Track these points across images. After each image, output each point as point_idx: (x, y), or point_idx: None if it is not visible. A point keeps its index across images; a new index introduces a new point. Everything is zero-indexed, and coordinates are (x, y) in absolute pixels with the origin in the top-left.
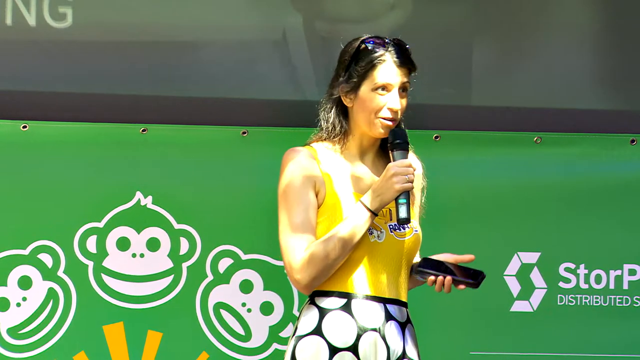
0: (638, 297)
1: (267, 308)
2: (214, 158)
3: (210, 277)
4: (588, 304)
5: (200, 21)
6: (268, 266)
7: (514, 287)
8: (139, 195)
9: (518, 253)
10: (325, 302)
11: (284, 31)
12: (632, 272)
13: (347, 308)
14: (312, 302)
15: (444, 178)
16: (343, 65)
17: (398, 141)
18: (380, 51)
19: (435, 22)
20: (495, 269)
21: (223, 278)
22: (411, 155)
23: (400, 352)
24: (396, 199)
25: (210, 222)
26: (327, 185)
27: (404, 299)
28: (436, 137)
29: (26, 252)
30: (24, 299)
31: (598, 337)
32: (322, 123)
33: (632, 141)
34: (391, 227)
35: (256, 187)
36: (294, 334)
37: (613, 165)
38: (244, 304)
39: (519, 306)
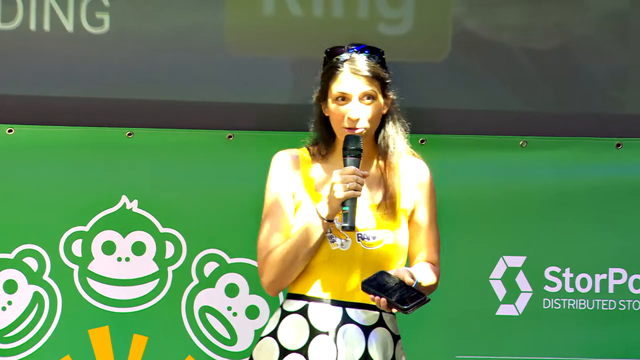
0: (623, 301)
1: (252, 312)
2: (199, 162)
3: (195, 281)
4: (573, 307)
5: (188, 26)
6: (254, 270)
7: (500, 290)
8: (124, 199)
9: (503, 257)
10: (288, 305)
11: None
12: (617, 276)
13: (304, 311)
14: (281, 305)
15: None
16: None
17: (350, 147)
18: (337, 61)
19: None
20: (480, 272)
21: (209, 282)
22: (417, 161)
23: (359, 355)
24: (342, 206)
25: (196, 226)
26: (307, 190)
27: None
28: (422, 141)
29: (11, 256)
30: (9, 302)
31: (584, 341)
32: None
33: (618, 145)
34: (359, 235)
35: (242, 191)
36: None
37: (599, 169)
38: (229, 308)
39: (505, 310)
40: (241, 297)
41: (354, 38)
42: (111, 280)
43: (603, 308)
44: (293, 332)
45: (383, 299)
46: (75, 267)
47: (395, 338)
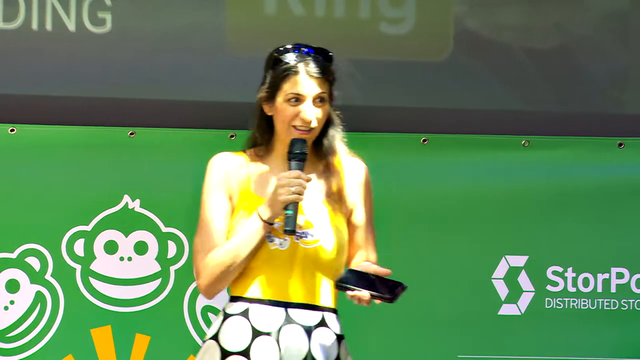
0: (626, 301)
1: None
2: (202, 161)
3: None
4: (576, 307)
5: (189, 26)
6: None
7: (502, 290)
8: (126, 198)
9: (506, 256)
10: (229, 308)
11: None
12: (619, 276)
13: (245, 313)
14: (224, 308)
15: (431, 182)
16: (264, 74)
17: (295, 151)
18: (292, 62)
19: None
20: (483, 272)
21: None
22: (356, 161)
23: (302, 356)
24: (284, 210)
25: None
26: (245, 192)
27: (320, 303)
28: (424, 141)
29: (14, 255)
30: (12, 302)
31: (586, 341)
32: (251, 129)
33: (620, 144)
34: (298, 234)
35: None
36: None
37: (601, 169)
38: None
39: (507, 309)
40: None
41: (356, 37)
42: (113, 279)
43: (605, 307)
44: (234, 334)
45: (364, 293)
46: (78, 267)
47: (339, 338)
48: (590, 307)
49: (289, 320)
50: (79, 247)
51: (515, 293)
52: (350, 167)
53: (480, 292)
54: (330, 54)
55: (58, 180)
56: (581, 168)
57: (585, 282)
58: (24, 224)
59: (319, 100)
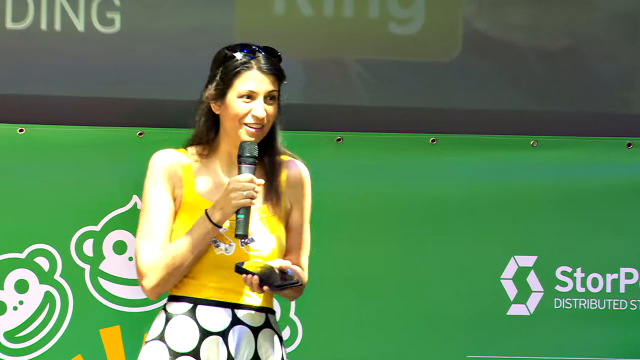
0: (635, 301)
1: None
2: None
3: None
4: (585, 307)
5: (198, 26)
6: None
7: (511, 290)
8: (135, 198)
9: (515, 256)
10: (172, 307)
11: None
12: (628, 276)
13: (192, 313)
14: (164, 308)
15: (440, 181)
16: (212, 72)
17: (245, 155)
18: (245, 59)
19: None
20: (492, 272)
21: None
22: (295, 163)
23: (249, 356)
24: (236, 214)
25: None
26: (187, 191)
27: (264, 304)
28: (433, 141)
29: (23, 255)
30: (21, 302)
31: (595, 341)
32: (194, 127)
33: (629, 145)
34: (243, 240)
35: None
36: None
37: (609, 169)
38: None
39: (516, 310)
40: None
41: (364, 37)
42: (122, 279)
43: (614, 308)
44: (182, 334)
45: (255, 277)
46: (87, 267)
47: (280, 339)
48: (599, 308)
49: (236, 320)
50: (88, 247)
51: (524, 293)
52: (289, 168)
53: (489, 293)
54: (279, 53)
55: (67, 180)
56: (590, 168)
57: (594, 283)
58: (33, 224)
59: (270, 98)
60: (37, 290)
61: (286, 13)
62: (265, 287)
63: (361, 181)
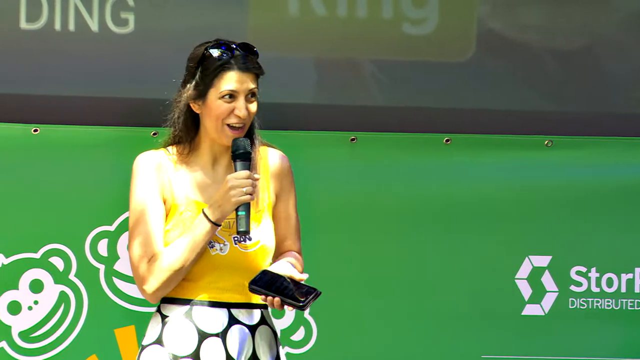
0: None
1: (277, 311)
2: None
3: None
4: (599, 307)
5: (211, 26)
6: None
7: (525, 290)
8: None
9: (529, 256)
10: (168, 310)
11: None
12: None
13: (188, 315)
14: (158, 310)
15: (454, 181)
16: (190, 71)
17: (240, 151)
18: (225, 58)
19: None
20: (506, 272)
21: None
22: (275, 152)
23: (248, 355)
24: (236, 211)
25: None
26: (175, 193)
27: (258, 301)
28: (447, 141)
29: (37, 255)
30: (36, 302)
31: (610, 341)
32: (172, 128)
33: None
34: (235, 239)
35: None
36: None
37: (624, 169)
38: None
39: (530, 310)
40: None
41: (378, 38)
42: None
43: (629, 308)
44: (180, 337)
45: (277, 299)
46: (101, 267)
47: (276, 334)
48: (614, 308)
49: (232, 320)
50: (102, 247)
51: (538, 293)
52: (271, 159)
53: (504, 292)
54: (255, 48)
55: (81, 180)
56: (604, 168)
57: (609, 283)
58: (47, 224)
59: (251, 95)
60: (51, 290)
61: (300, 13)
62: (289, 308)
63: (375, 181)
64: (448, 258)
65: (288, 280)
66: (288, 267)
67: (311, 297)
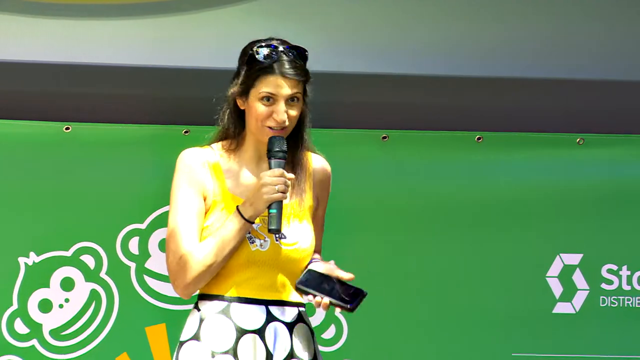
0: None
1: (309, 309)
2: None
3: None
4: (631, 305)
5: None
6: None
7: (556, 288)
8: None
9: (560, 254)
10: (205, 306)
11: None
12: None
13: (226, 311)
14: (196, 307)
15: (486, 179)
16: (238, 66)
17: (275, 150)
18: (267, 61)
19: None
20: (537, 270)
21: None
22: (319, 159)
23: (286, 352)
24: (268, 209)
25: None
26: (216, 189)
27: (295, 299)
28: (478, 139)
29: (69, 253)
30: (67, 300)
31: None
32: (220, 121)
33: None
34: (277, 235)
35: None
36: (179, 339)
37: None
38: None
39: (561, 308)
40: None
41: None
42: (168, 277)
43: None
44: (218, 333)
45: (325, 300)
46: (132, 265)
47: (312, 332)
48: None
49: (271, 317)
50: (133, 245)
51: (569, 291)
52: (316, 165)
53: (535, 291)
54: (305, 52)
55: (113, 178)
56: (636, 166)
57: None
58: (79, 222)
59: (292, 100)
60: (82, 288)
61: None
62: (338, 310)
63: (407, 179)
64: (479, 256)
65: (334, 280)
66: (333, 267)
67: (358, 299)
